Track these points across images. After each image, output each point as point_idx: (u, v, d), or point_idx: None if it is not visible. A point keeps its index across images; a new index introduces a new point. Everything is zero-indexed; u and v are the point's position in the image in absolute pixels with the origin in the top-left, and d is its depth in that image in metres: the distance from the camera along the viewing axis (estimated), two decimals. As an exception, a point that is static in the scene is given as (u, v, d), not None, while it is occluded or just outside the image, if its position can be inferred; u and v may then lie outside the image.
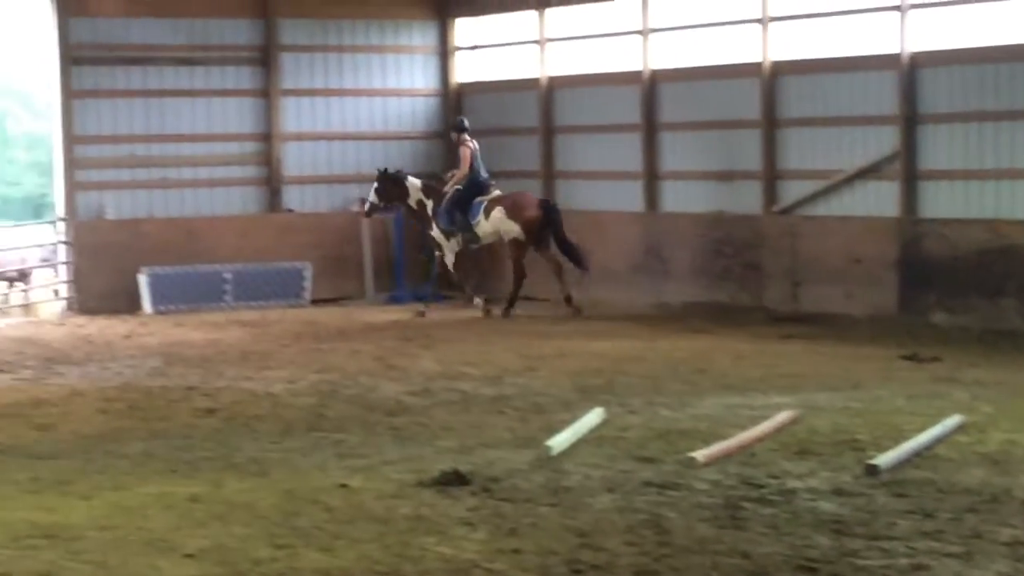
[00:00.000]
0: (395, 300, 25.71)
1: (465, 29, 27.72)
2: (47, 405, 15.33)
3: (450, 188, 23.61)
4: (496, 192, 23.75)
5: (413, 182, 24.07)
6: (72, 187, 25.08)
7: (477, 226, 23.46)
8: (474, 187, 23.58)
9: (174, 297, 24.48)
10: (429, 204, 23.88)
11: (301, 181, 26.64)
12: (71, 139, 25.14)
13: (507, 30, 27.19)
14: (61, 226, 25.38)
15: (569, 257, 23.32)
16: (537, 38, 26.15)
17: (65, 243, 25.23)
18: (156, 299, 24.56)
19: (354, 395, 15.64)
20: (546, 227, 23.26)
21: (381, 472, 11.60)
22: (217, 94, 26.07)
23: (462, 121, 24.15)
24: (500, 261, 24.67)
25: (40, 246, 27.77)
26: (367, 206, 24.36)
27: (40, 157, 70.87)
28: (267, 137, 26.42)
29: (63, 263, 25.54)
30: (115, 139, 25.33)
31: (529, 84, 26.28)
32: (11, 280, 27.81)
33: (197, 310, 24.36)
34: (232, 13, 26.11)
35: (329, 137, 26.91)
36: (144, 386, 16.58)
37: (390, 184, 23.96)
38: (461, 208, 23.51)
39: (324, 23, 26.79)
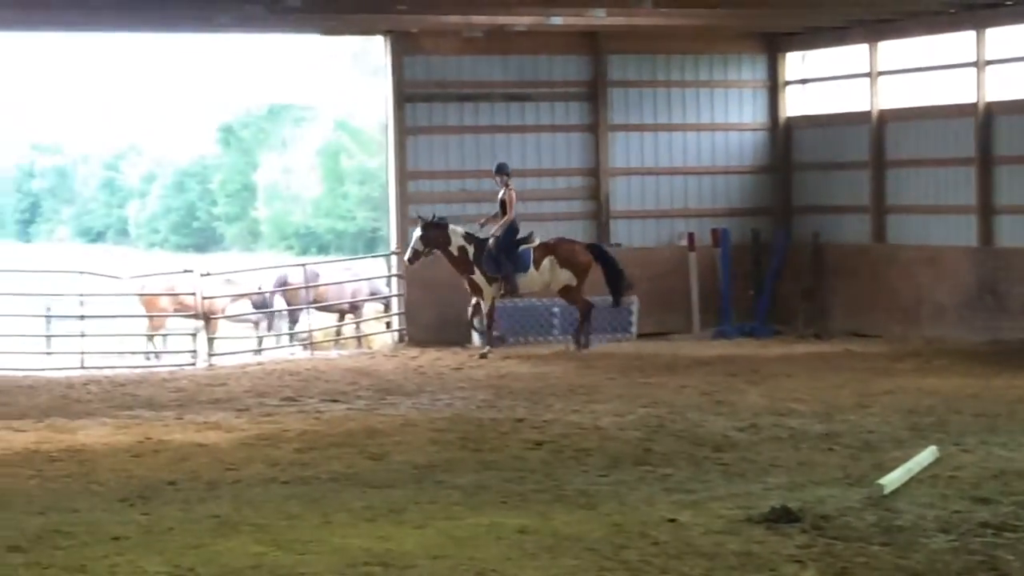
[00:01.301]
0: (722, 335, 25.56)
1: (795, 63, 27.47)
2: (380, 435, 15.64)
3: (498, 232, 23.59)
4: (538, 240, 23.83)
5: (455, 229, 23.82)
6: (405, 221, 25.60)
7: (526, 276, 23.56)
8: (514, 233, 23.66)
9: (502, 330, 24.75)
10: (470, 250, 23.70)
11: (628, 215, 26.71)
12: (404, 174, 25.70)
13: (838, 64, 26.87)
14: (394, 260, 25.94)
15: (615, 292, 23.76)
16: (868, 71, 25.76)
17: (397, 276, 25.77)
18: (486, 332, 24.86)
19: (681, 430, 15.56)
20: (598, 270, 23.76)
21: (709, 507, 11.50)
22: (546, 130, 26.37)
23: (506, 165, 24.10)
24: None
25: (370, 279, 28.48)
26: (410, 252, 23.90)
27: (372, 192, 72.84)
28: (595, 172, 26.59)
29: (395, 296, 26.10)
30: (447, 174, 25.82)
31: (860, 117, 25.88)
32: (343, 312, 28.58)
33: (525, 343, 24.61)
34: (561, 50, 26.38)
35: (656, 172, 26.94)
36: (474, 418, 16.79)
37: (434, 231, 23.68)
38: (507, 255, 23.51)
39: (652, 59, 26.87)
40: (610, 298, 24.13)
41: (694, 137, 27.17)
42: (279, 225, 78.79)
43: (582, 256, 23.85)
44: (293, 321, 28.54)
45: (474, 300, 24.04)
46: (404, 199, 25.71)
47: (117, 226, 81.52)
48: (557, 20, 24.35)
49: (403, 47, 25.63)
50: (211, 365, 24.15)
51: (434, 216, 23.88)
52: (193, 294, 25.99)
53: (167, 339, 27.98)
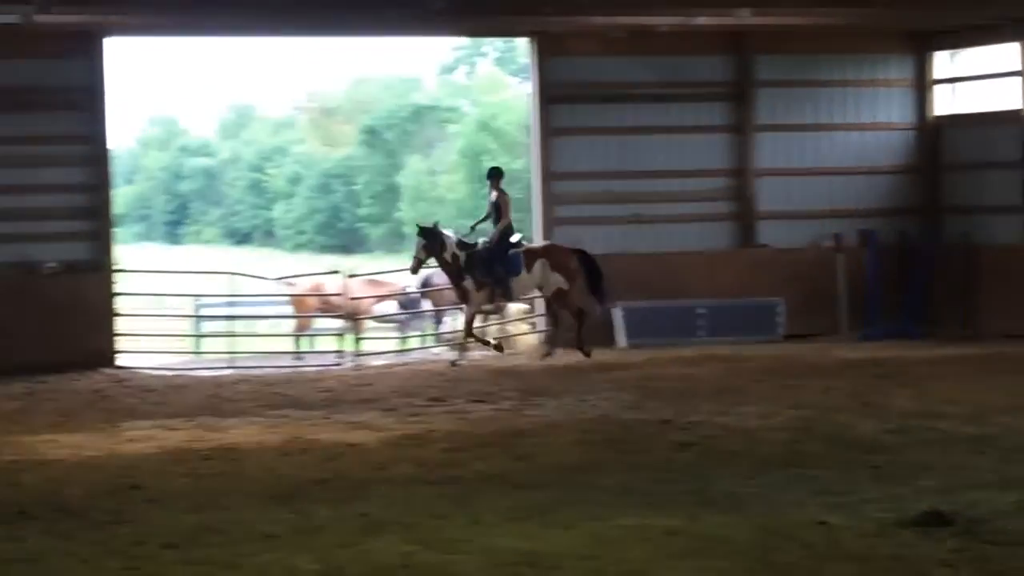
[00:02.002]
0: (869, 337, 25.29)
1: (943, 62, 27.11)
2: (527, 436, 15.65)
3: (494, 237, 23.19)
4: (526, 244, 23.54)
5: (449, 236, 23.45)
6: (549, 222, 25.64)
7: (518, 279, 23.18)
8: (508, 238, 23.28)
9: (648, 331, 24.70)
10: (462, 257, 23.23)
11: (774, 216, 26.51)
12: (548, 175, 25.72)
13: (987, 62, 26.48)
14: (538, 260, 25.93)
15: (598, 297, 23.42)
16: (1019, 69, 25.35)
17: (542, 277, 25.76)
18: (630, 333, 24.86)
19: (829, 432, 15.39)
20: (585, 275, 23.36)
21: (859, 510, 11.37)
22: (690, 130, 26.24)
23: (498, 169, 23.88)
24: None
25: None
26: (413, 261, 23.63)
27: (515, 193, 72.98)
28: (740, 173, 26.43)
29: (539, 297, 26.08)
30: (590, 175, 25.79)
31: (1011, 116, 25.48)
32: (487, 313, 28.66)
33: (670, 344, 24.52)
34: (706, 51, 26.24)
35: (802, 172, 26.71)
36: (620, 419, 16.75)
37: (431, 238, 23.28)
38: (500, 260, 23.11)
39: (799, 58, 26.64)
40: (755, 300, 23.93)
41: (841, 137, 26.91)
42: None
43: (572, 262, 23.50)
44: (438, 322, 28.69)
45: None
46: (548, 200, 25.74)
47: (263, 227, 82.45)
48: (702, 20, 24.27)
49: (548, 48, 25.66)
50: (358, 365, 24.34)
51: (436, 224, 23.76)
52: (340, 295, 26.23)
53: (314, 339, 28.26)
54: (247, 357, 25.07)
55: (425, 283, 28.81)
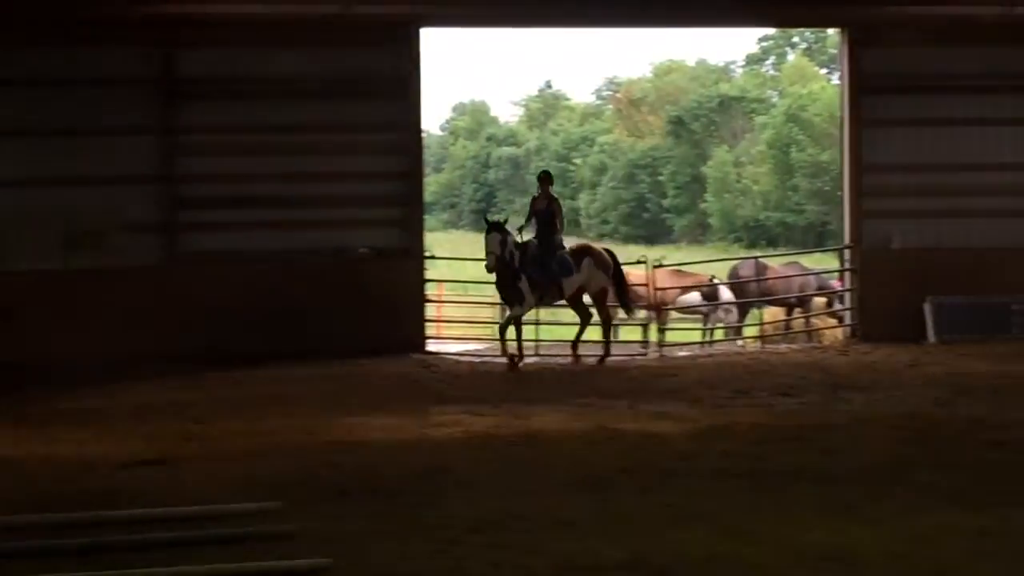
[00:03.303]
0: None
1: None
2: (833, 430, 15.45)
3: (557, 238, 22.58)
4: (567, 245, 22.82)
5: (512, 233, 22.45)
6: (859, 215, 25.23)
7: (571, 278, 22.50)
8: (552, 238, 22.50)
9: (959, 327, 24.16)
10: (517, 256, 22.29)
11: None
12: (859, 168, 25.31)
13: None
14: (846, 254, 25.61)
15: (624, 299, 23.38)
16: None
17: (851, 271, 25.44)
18: (940, 328, 24.35)
19: None
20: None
21: None
22: (1009, 123, 25.46)
23: (550, 173, 23.64)
24: None
25: (817, 274, 28.22)
26: (491, 259, 22.05)
27: (823, 185, 72.17)
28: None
29: (847, 290, 25.77)
30: (904, 168, 25.26)
31: None
32: (791, 306, 28.43)
33: (983, 340, 23.91)
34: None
35: None
36: (930, 415, 16.42)
37: (503, 233, 22.26)
38: (554, 259, 22.43)
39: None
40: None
41: None
42: (728, 218, 78.92)
43: (610, 260, 23.17)
44: (743, 314, 28.56)
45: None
46: (858, 193, 25.33)
47: (568, 217, 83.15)
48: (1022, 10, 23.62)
49: (860, 39, 25.23)
50: (662, 356, 24.36)
51: (506, 219, 23.10)
52: (645, 285, 26.27)
53: (618, 329, 28.36)
54: (551, 345, 25.27)
55: (732, 275, 28.72)
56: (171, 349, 22.56)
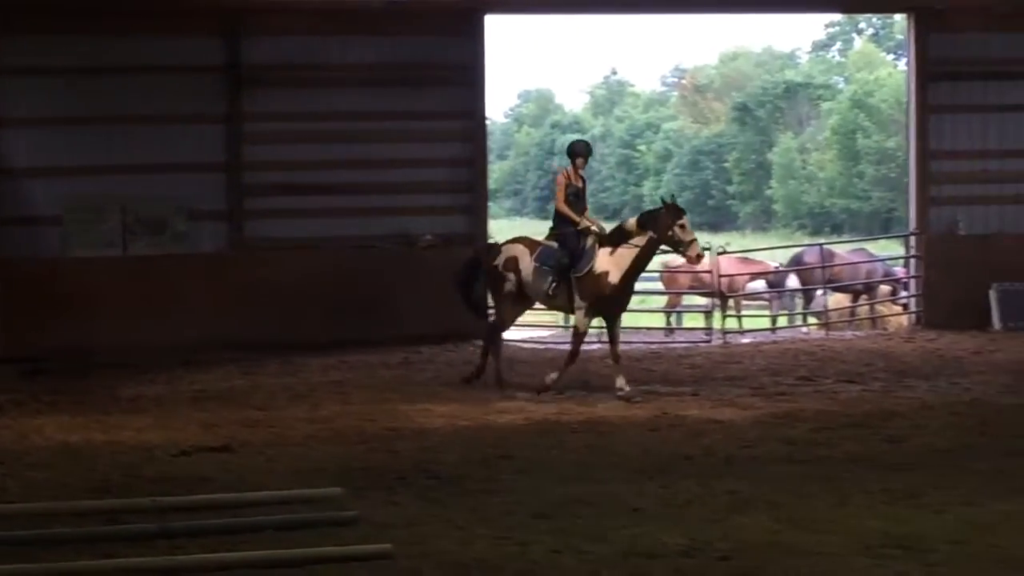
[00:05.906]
0: None
1: None
2: (897, 417, 15.40)
3: (595, 228, 18.50)
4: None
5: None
6: (925, 202, 25.07)
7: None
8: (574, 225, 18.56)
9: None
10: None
11: None
12: (925, 154, 25.13)
13: None
14: (912, 240, 25.46)
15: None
16: None
17: (916, 257, 25.29)
18: (1006, 315, 24.17)
19: None
20: None
21: None
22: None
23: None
24: None
25: (883, 260, 28.07)
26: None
27: (888, 172, 71.75)
28: None
29: (913, 277, 25.62)
30: (970, 154, 25.07)
31: None
32: (857, 293, 28.29)
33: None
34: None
35: None
36: (995, 403, 16.34)
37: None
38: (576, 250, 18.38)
39: None
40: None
41: None
42: (793, 204, 78.59)
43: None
44: (808, 301, 28.45)
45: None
46: (925, 179, 25.15)
47: (632, 204, 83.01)
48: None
49: (927, 24, 25.04)
50: (726, 342, 24.30)
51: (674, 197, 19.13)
52: (711, 272, 26.21)
53: (682, 316, 28.32)
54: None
55: (797, 262, 28.59)
56: (234, 336, 22.66)
